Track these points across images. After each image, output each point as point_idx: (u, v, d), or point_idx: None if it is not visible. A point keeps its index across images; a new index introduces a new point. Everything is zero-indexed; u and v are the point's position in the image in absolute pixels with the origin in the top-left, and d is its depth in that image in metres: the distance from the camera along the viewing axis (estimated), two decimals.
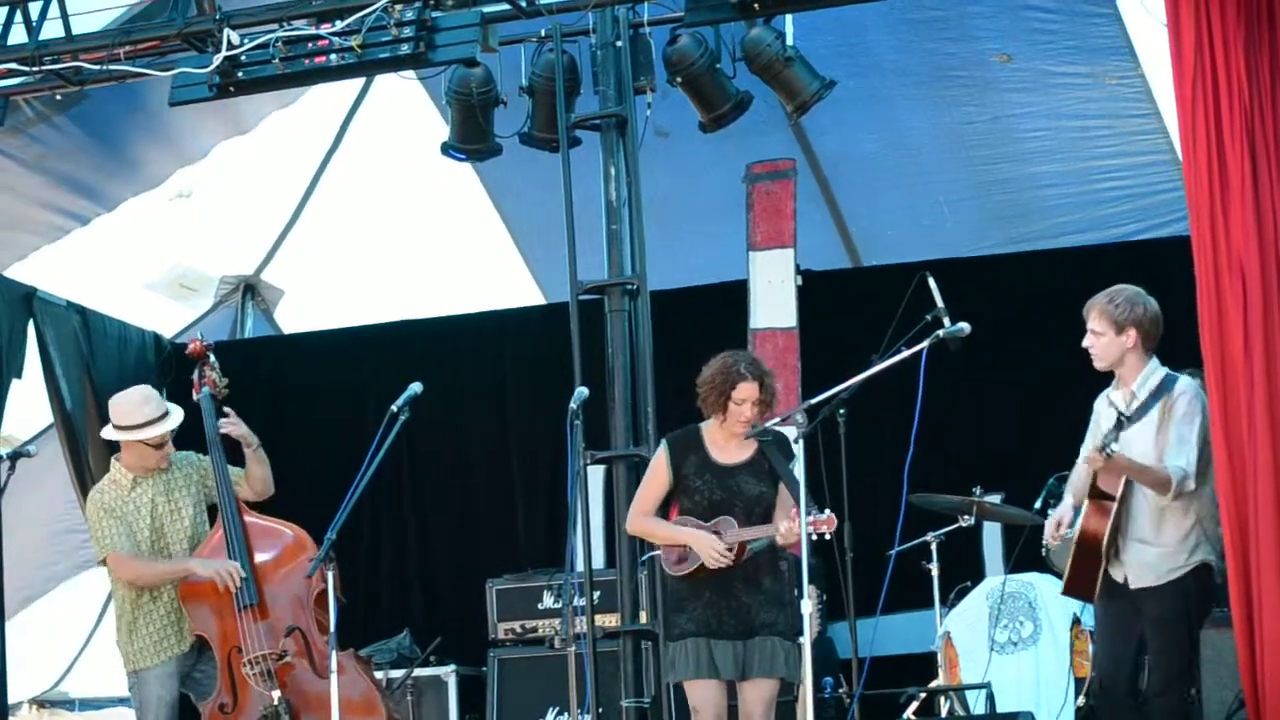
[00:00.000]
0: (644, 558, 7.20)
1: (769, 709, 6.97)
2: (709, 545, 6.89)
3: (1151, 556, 6.68)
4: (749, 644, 6.94)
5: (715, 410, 7.04)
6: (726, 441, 7.06)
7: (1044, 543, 7.13)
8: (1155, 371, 6.78)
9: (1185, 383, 6.75)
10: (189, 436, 7.84)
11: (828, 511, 6.79)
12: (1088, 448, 6.89)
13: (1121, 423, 6.46)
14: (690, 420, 7.22)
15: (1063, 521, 6.88)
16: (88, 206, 10.31)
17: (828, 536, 6.80)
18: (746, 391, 6.97)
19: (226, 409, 7.80)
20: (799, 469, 6.90)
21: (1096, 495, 6.65)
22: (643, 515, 7.12)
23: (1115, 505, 6.64)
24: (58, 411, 10.40)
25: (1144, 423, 6.72)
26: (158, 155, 10.25)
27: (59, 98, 8.90)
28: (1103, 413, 6.90)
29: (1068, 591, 6.97)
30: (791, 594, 6.96)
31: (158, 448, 7.60)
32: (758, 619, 6.95)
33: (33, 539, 11.33)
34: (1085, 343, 6.82)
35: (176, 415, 7.67)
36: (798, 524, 6.71)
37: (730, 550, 6.88)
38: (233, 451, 7.77)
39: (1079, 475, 6.96)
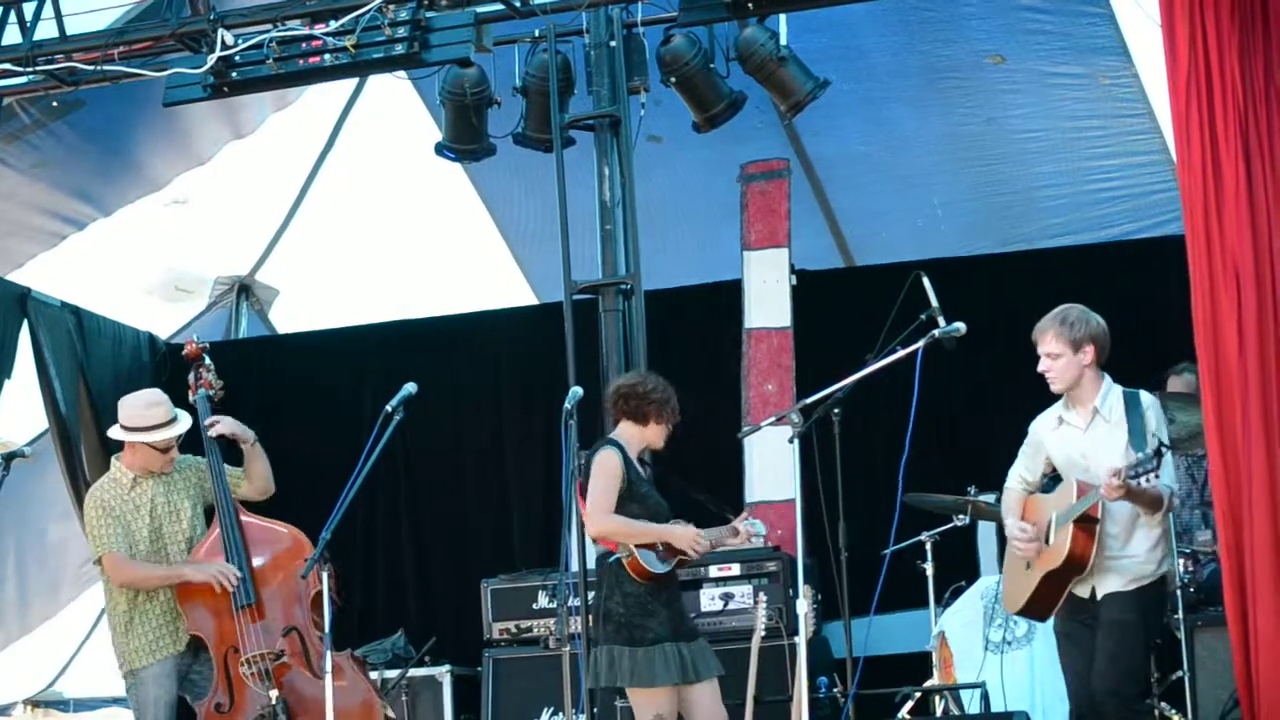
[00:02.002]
0: (611, 559, 7.15)
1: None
2: (691, 535, 7.08)
3: (1121, 567, 6.67)
4: (702, 643, 7.17)
5: (662, 419, 7.21)
6: (635, 454, 7.26)
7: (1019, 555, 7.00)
8: (1113, 387, 6.75)
9: (1148, 398, 6.75)
10: (186, 438, 7.80)
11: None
12: (1024, 472, 6.91)
13: (1161, 451, 6.36)
14: (692, 420, 7.26)
15: (1027, 535, 6.83)
16: (86, 212, 10.30)
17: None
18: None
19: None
20: (795, 469, 6.92)
21: (1083, 520, 6.61)
22: (610, 513, 7.07)
23: (1097, 526, 6.62)
24: (51, 414, 10.36)
25: (1115, 436, 6.68)
26: (162, 159, 10.25)
27: (55, 104, 8.89)
28: (1046, 435, 6.84)
29: (1024, 612, 6.94)
30: None
31: (164, 452, 7.59)
32: (692, 621, 7.32)
33: (57, 564, 11.38)
34: (1041, 368, 6.74)
35: (184, 422, 7.63)
36: (742, 526, 7.25)
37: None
38: (231, 452, 7.75)
39: (1014, 496, 6.92)
